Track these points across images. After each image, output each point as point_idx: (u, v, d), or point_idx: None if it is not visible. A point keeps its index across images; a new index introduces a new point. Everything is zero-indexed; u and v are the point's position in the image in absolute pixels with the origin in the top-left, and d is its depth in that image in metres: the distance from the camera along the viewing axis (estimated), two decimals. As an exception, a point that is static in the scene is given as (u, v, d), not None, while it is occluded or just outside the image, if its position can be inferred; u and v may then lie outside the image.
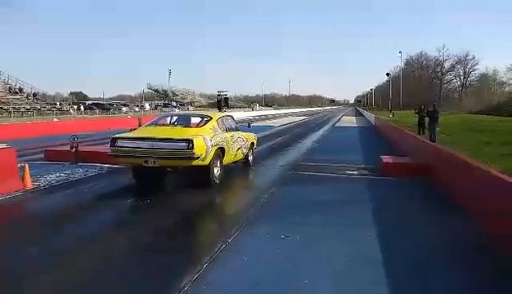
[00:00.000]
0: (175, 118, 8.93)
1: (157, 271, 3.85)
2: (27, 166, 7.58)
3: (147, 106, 68.31)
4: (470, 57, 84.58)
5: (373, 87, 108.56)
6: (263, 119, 43.58)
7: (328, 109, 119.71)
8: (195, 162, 6.89)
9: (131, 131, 8.68)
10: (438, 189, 7.45)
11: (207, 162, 7.13)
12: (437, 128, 16.47)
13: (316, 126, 30.50)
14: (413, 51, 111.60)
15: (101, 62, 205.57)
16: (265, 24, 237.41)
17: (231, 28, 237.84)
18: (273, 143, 16.75)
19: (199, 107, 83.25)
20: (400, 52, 57.07)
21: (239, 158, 9.24)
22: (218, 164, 7.66)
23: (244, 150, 9.47)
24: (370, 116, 41.13)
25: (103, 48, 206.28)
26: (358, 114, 63.67)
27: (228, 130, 8.59)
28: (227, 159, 8.24)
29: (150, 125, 8.34)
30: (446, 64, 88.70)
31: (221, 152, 7.79)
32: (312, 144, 16.90)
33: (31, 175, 7.63)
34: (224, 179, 7.84)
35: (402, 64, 63.96)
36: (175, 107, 72.68)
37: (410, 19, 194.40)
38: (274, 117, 53.08)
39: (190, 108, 77.71)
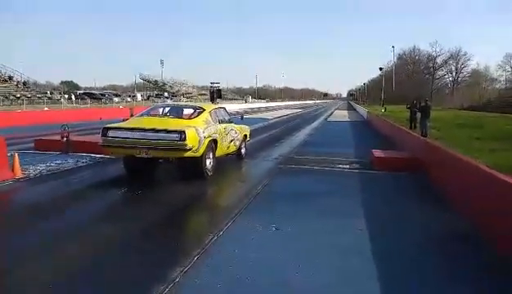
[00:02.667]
0: (167, 108, 8.88)
1: (148, 262, 3.85)
2: (16, 155, 7.50)
3: (139, 96, 67.80)
4: (462, 53, 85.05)
5: (366, 82, 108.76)
6: (256, 112, 43.48)
7: (321, 103, 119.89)
8: (187, 154, 6.87)
9: (123, 121, 8.61)
10: (429, 183, 7.52)
11: (199, 153, 7.12)
12: (429, 123, 16.61)
13: (308, 120, 30.53)
14: (406, 45, 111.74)
15: (93, 51, 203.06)
16: (258, 15, 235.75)
17: (226, 18, 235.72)
18: (266, 136, 16.75)
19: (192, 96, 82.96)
20: (393, 47, 57.21)
21: (232, 151, 9.23)
22: (211, 156, 7.64)
23: (237, 142, 9.46)
24: (363, 110, 41.28)
25: (95, 37, 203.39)
26: (351, 108, 63.83)
27: (221, 122, 8.56)
28: (220, 151, 8.23)
29: (142, 115, 8.25)
30: (439, 60, 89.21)
31: (214, 144, 7.77)
32: (305, 137, 16.94)
33: (21, 165, 7.55)
34: (216, 171, 7.82)
35: (395, 59, 64.17)
36: (167, 98, 72.15)
37: (404, 13, 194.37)
38: (267, 109, 53.09)
39: (183, 98, 77.25)
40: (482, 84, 72.65)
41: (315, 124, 26.14)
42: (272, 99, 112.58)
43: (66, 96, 49.41)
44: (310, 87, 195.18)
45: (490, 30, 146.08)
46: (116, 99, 56.45)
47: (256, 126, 21.00)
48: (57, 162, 8.82)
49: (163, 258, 3.92)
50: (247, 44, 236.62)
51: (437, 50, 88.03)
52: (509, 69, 63.76)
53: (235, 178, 8.58)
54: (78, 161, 9.03)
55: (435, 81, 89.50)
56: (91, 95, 54.10)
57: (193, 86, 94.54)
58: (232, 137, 9.03)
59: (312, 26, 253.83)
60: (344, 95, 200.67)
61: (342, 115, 41.06)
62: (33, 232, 4.67)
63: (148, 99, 69.16)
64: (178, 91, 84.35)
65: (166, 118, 7.99)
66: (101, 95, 58.15)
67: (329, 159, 10.14)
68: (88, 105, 42.90)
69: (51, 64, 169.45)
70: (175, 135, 6.79)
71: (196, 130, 7.12)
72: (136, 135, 6.96)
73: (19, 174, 7.33)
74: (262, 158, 10.41)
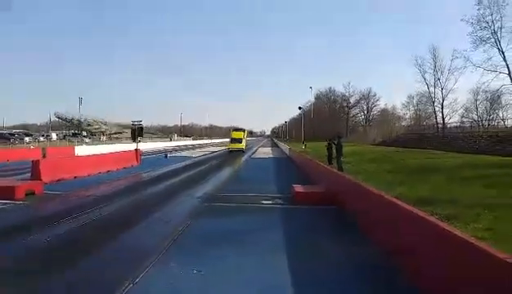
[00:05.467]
0: (234, 140, 40.19)
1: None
2: None
3: (54, 136, 63.63)
4: (372, 94, 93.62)
5: (287, 120, 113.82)
6: (181, 150, 43.07)
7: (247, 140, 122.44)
8: (244, 150, 39.37)
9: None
10: (344, 215, 8.01)
11: (245, 148, 39.81)
12: (342, 158, 17.80)
13: (233, 158, 30.86)
14: (323, 86, 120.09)
15: (2, 85, 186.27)
16: (181, 54, 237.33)
17: (149, 54, 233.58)
18: (190, 174, 16.62)
19: (115, 134, 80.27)
20: (310, 87, 61.16)
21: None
22: (245, 148, 40.20)
23: (246, 143, 42.57)
24: (285, 147, 42.89)
25: (5, 71, 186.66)
26: (274, 145, 65.92)
27: (244, 137, 41.50)
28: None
29: (231, 143, 40.31)
30: (352, 100, 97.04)
31: (245, 146, 40.62)
32: (230, 175, 17.09)
33: None
34: (138, 217, 7.55)
35: (313, 98, 68.44)
36: (85, 136, 68.57)
37: (321, 55, 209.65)
38: (193, 147, 52.84)
39: (103, 137, 73.92)
40: (390, 122, 79.69)
41: (239, 162, 26.49)
42: (199, 136, 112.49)
43: (-33, 136, 44.67)
44: (235, 125, 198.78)
45: (397, 73, 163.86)
46: (27, 138, 52.39)
47: (181, 164, 20.78)
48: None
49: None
50: (171, 83, 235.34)
51: (351, 91, 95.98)
52: (412, 108, 71.33)
53: (158, 219, 8.28)
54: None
55: (350, 119, 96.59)
56: (-3, 135, 49.45)
57: (113, 124, 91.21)
58: (246, 141, 42.82)
59: (236, 66, 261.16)
60: (268, 132, 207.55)
61: (266, 152, 42.17)
62: None
63: (64, 138, 65.13)
64: (97, 128, 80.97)
65: (238, 144, 39.51)
66: (10, 134, 53.51)
67: (253, 196, 10.35)
68: (-6, 146, 39.04)
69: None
70: (242, 148, 39.54)
71: (245, 145, 41.23)
72: (233, 148, 39.17)
73: None
74: (187, 196, 10.31)
